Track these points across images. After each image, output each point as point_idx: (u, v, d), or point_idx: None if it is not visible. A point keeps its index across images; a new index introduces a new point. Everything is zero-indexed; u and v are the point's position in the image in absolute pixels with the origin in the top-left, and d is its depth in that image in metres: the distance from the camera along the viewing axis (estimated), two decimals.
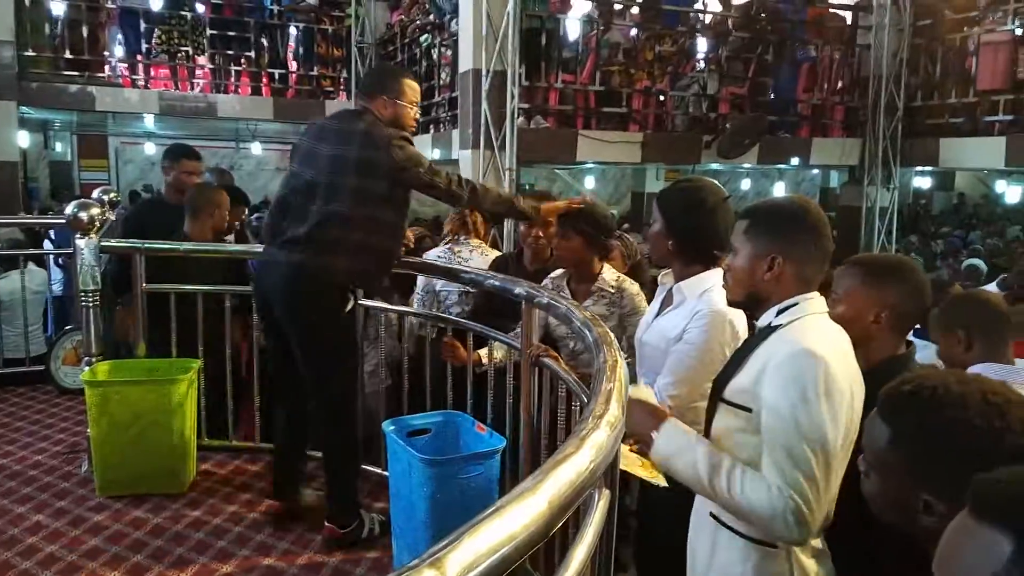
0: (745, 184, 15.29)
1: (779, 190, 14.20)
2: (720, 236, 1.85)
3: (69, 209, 3.01)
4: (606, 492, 1.21)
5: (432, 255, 3.44)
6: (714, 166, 10.94)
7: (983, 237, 11.62)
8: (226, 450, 3.28)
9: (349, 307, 2.57)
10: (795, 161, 7.96)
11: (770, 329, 1.49)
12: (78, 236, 2.99)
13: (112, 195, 4.27)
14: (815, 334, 1.42)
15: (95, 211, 2.97)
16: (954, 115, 7.19)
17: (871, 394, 1.29)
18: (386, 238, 2.52)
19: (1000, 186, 11.67)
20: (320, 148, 2.47)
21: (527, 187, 14.72)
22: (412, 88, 2.60)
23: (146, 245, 3.16)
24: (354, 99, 2.71)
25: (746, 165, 10.46)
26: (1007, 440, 0.96)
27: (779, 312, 1.49)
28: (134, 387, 2.83)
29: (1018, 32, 6.44)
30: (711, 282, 1.89)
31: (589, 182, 13.29)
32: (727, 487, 1.40)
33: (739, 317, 1.88)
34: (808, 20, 7.66)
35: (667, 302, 2.01)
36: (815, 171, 14.31)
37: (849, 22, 7.86)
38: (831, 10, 7.85)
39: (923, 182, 14.48)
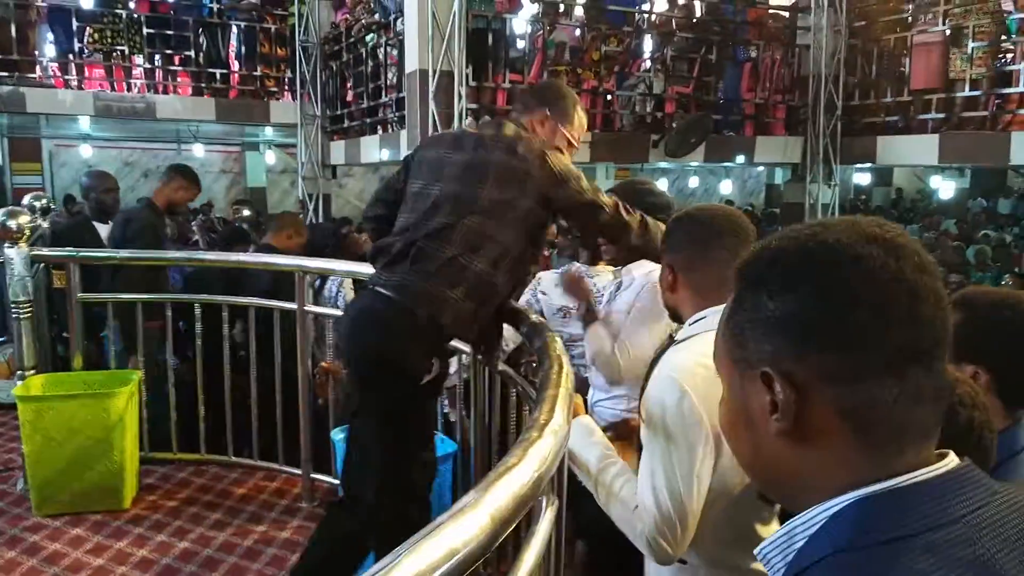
0: (693, 182, 15.53)
1: (726, 188, 14.48)
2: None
3: None
4: (554, 500, 1.21)
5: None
6: (662, 164, 11.11)
7: (919, 231, 12.03)
8: (170, 463, 3.19)
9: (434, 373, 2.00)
10: (740, 159, 8.11)
11: (671, 342, 1.46)
12: (7, 245, 2.87)
13: (44, 201, 4.11)
14: (693, 359, 1.33)
15: (23, 219, 2.86)
16: (890, 114, 7.42)
17: None
18: (511, 280, 2.00)
19: (935, 182, 12.09)
20: (452, 156, 2.01)
21: None
22: (581, 120, 2.18)
23: (80, 254, 3.05)
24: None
25: (693, 163, 10.63)
26: (960, 415, 1.03)
27: (691, 324, 1.43)
28: (69, 402, 2.72)
29: (948, 33, 6.67)
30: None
31: None
32: (606, 494, 1.39)
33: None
34: (750, 21, 7.81)
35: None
36: (760, 168, 14.64)
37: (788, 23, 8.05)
38: (771, 11, 8.02)
39: (863, 178, 14.91)
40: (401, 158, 6.51)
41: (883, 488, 0.60)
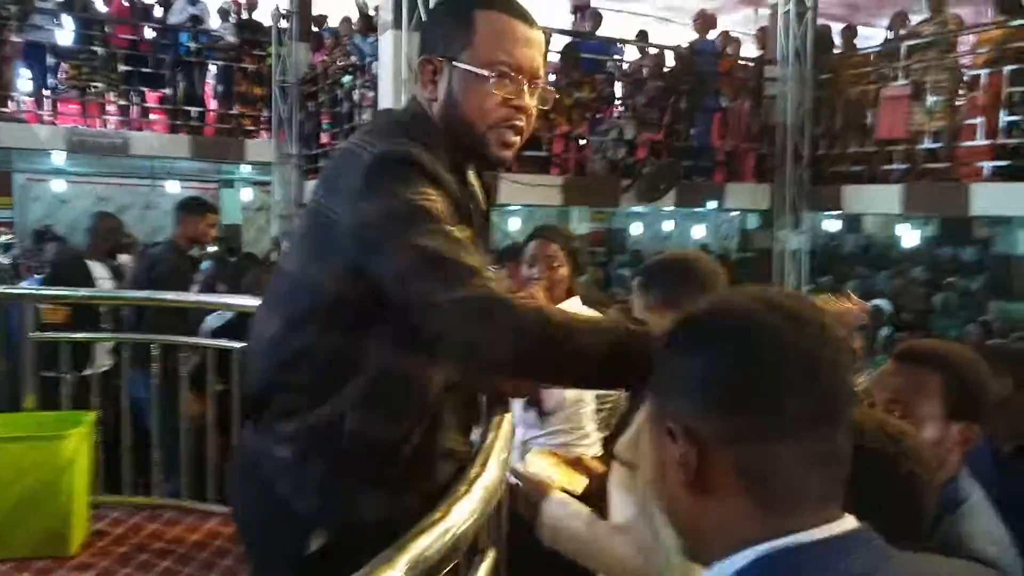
0: (668, 225, 15.72)
1: (698, 232, 14.66)
2: None
3: None
4: (491, 551, 1.20)
5: None
6: (636, 209, 11.25)
7: (888, 278, 12.24)
8: (123, 507, 3.11)
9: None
10: (711, 204, 8.24)
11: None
12: None
13: (6, 237, 4.07)
14: None
15: None
16: (856, 163, 7.59)
17: None
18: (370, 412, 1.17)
19: (901, 230, 12.35)
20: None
21: None
22: (497, 27, 1.18)
23: (37, 292, 3.01)
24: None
25: (667, 208, 10.78)
26: (902, 466, 1.02)
27: None
28: (16, 443, 2.66)
29: (911, 87, 6.87)
30: None
31: (515, 223, 13.45)
32: (606, 540, 1.40)
33: None
34: (720, 71, 8.00)
35: None
36: (735, 213, 14.87)
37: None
38: (740, 62, 8.23)
39: (834, 225, 15.18)
40: None
41: (779, 546, 0.62)
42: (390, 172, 1.07)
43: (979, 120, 6.40)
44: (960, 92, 6.63)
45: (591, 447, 2.49)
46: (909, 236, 11.87)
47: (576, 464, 1.76)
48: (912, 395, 1.33)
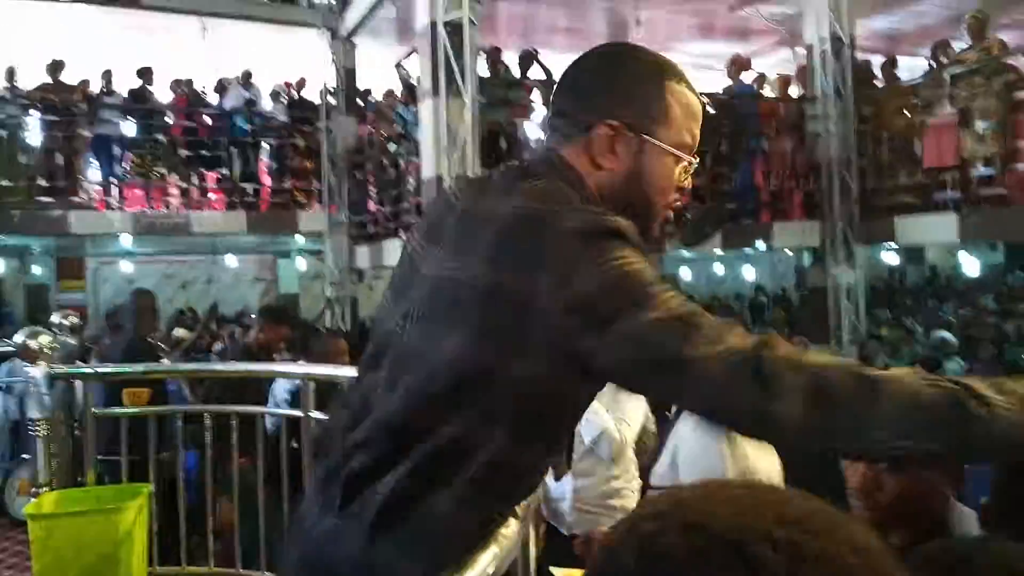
0: (719, 269, 15.52)
1: (748, 273, 14.45)
2: None
3: (18, 337, 3.01)
4: None
5: None
6: (684, 253, 11.17)
7: (955, 308, 11.78)
8: None
9: None
10: (759, 245, 8.14)
11: (679, 413, 1.62)
12: (27, 365, 2.99)
13: (72, 319, 4.27)
14: None
15: (44, 339, 2.97)
16: (905, 194, 7.42)
17: None
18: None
19: (963, 258, 11.93)
20: (431, 256, 1.11)
21: None
22: (685, 103, 1.12)
23: (98, 371, 3.15)
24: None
25: (717, 251, 10.68)
26: None
27: None
28: (78, 518, 2.75)
29: (957, 115, 6.73)
30: None
31: None
32: None
33: None
34: (760, 112, 7.99)
35: None
36: (789, 252, 14.63)
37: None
38: (780, 101, 8.21)
39: (893, 257, 14.76)
40: None
41: None
42: (603, 241, 0.97)
43: None
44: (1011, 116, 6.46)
45: (635, 494, 2.46)
46: (973, 264, 11.45)
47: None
48: None
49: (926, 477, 1.26)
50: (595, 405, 2.34)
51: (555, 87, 1.19)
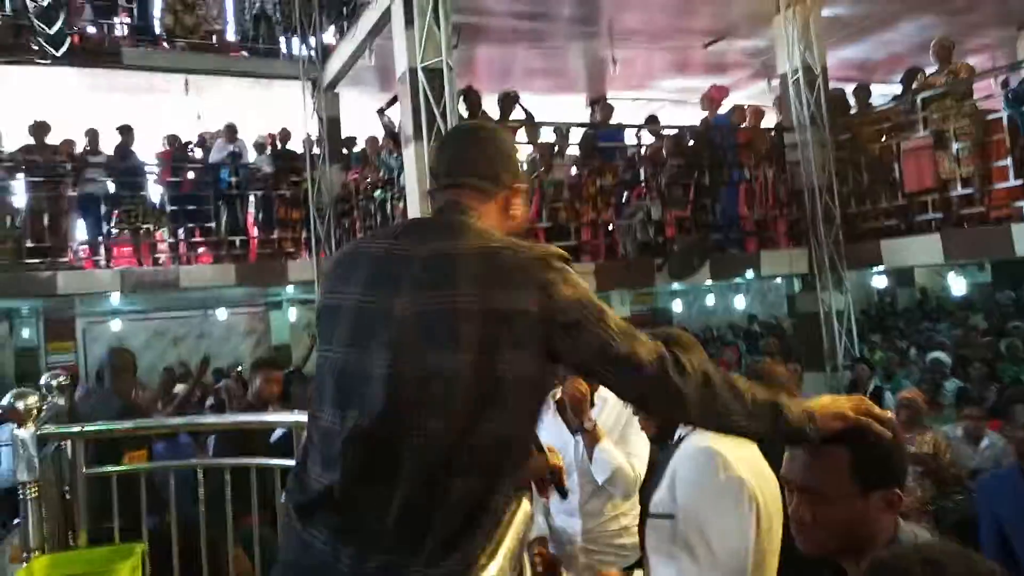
0: (710, 300, 15.58)
1: (740, 302, 14.50)
2: None
3: (5, 400, 2.97)
4: None
5: None
6: (675, 286, 11.21)
7: (948, 329, 11.84)
8: None
9: None
10: (748, 274, 8.18)
11: (678, 442, 1.63)
12: (15, 427, 2.95)
13: (60, 379, 4.22)
14: (713, 437, 1.53)
15: (31, 400, 2.93)
16: (888, 217, 7.51)
17: None
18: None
19: (951, 279, 12.04)
20: (392, 303, 1.32)
21: None
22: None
23: (85, 429, 3.11)
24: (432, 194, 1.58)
25: (707, 282, 10.72)
26: None
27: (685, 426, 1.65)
28: None
29: (932, 137, 6.86)
30: None
31: None
32: None
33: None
34: (739, 143, 8.11)
35: None
36: (779, 280, 14.71)
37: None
38: (758, 131, 8.34)
39: (883, 281, 14.86)
40: None
41: None
42: (560, 263, 1.34)
43: (1008, 161, 6.32)
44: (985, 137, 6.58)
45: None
46: (962, 285, 11.55)
47: None
48: (821, 476, 1.27)
49: None
50: (605, 444, 2.34)
51: (454, 161, 1.55)
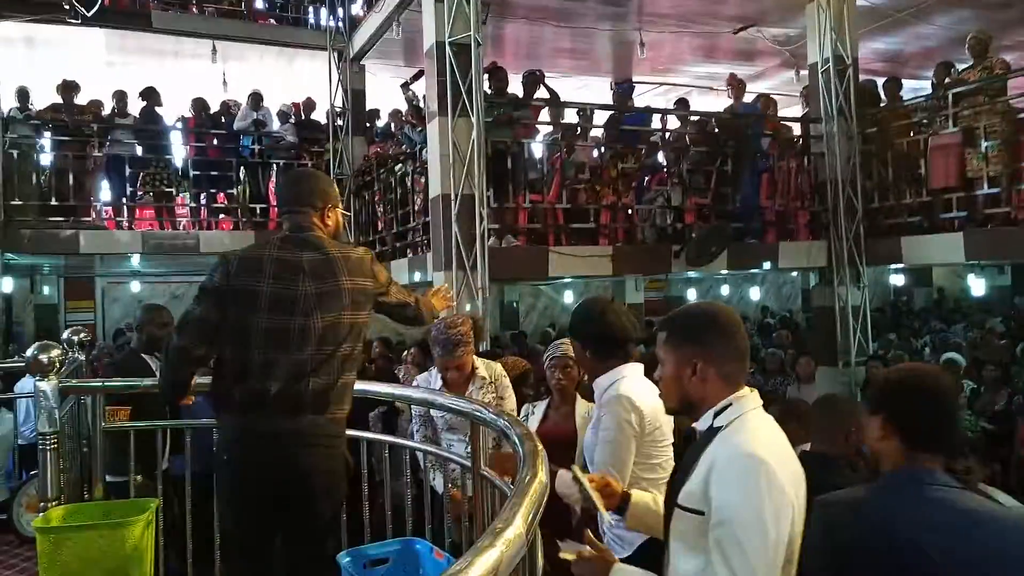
0: (724, 290, 15.52)
1: (754, 294, 14.43)
2: (616, 330, 2.30)
3: (29, 352, 3.03)
4: None
5: (421, 379, 3.57)
6: (690, 274, 11.17)
7: (964, 330, 11.73)
8: None
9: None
10: (766, 266, 8.13)
11: (712, 431, 1.55)
12: (38, 378, 3.01)
13: (82, 335, 4.30)
14: (756, 435, 1.49)
15: (55, 353, 3.00)
16: (911, 214, 7.43)
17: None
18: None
19: (971, 280, 11.91)
20: (302, 287, 2.27)
21: (513, 304, 14.92)
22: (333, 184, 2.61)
23: (105, 384, 3.17)
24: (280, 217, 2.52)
25: (723, 272, 10.67)
26: None
27: (716, 414, 1.56)
28: (85, 532, 2.75)
29: (961, 134, 6.75)
30: (623, 373, 2.27)
31: (569, 296, 13.48)
32: None
33: (644, 395, 2.18)
34: (764, 132, 8.03)
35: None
36: (795, 273, 14.61)
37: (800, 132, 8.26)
38: (784, 122, 8.25)
39: (901, 279, 14.73)
40: (429, 279, 6.73)
41: None
42: (374, 257, 2.49)
43: None
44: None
45: None
46: (981, 286, 11.43)
47: (605, 487, 1.89)
48: None
49: None
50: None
51: (289, 192, 2.51)
